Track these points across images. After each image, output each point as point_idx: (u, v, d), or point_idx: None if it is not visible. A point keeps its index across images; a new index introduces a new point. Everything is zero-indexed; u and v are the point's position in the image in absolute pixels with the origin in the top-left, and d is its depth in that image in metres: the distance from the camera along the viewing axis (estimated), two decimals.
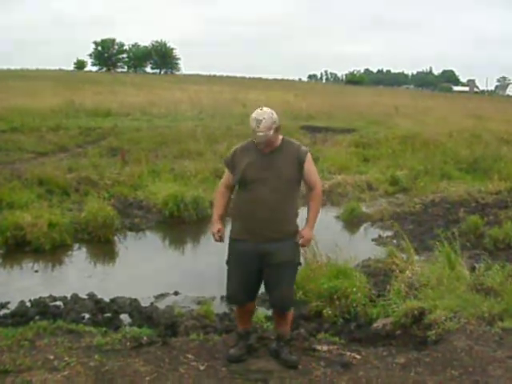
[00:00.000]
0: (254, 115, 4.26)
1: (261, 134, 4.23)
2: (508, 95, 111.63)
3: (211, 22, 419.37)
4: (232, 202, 4.64)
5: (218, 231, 4.54)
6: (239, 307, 4.69)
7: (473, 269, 6.74)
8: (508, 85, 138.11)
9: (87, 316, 5.87)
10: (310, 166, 4.44)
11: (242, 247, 4.40)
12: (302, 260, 4.87)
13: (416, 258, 7.15)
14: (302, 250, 4.77)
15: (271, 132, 4.25)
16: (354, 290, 5.94)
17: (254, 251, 4.35)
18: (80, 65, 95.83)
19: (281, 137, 4.44)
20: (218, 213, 4.62)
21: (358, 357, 4.68)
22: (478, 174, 15.06)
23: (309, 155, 4.45)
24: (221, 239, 4.57)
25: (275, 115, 4.31)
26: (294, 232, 4.44)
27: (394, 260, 7.05)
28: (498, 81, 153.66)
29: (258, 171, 4.33)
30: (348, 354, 4.74)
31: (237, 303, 4.72)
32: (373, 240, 9.44)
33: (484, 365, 4.40)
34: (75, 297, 6.37)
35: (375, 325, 5.55)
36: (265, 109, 4.33)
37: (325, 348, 4.85)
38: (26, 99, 26.19)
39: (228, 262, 4.54)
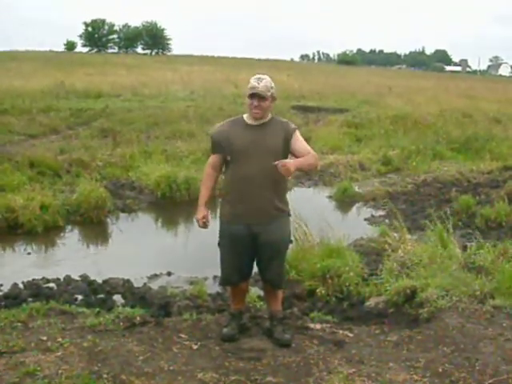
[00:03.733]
0: (253, 77, 4.33)
1: (259, 89, 4.23)
2: (500, 75, 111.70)
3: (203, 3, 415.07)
4: (221, 182, 4.61)
5: (203, 218, 4.50)
6: (233, 287, 4.70)
7: (465, 248, 6.77)
8: (500, 64, 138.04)
9: (80, 297, 5.87)
10: (301, 141, 4.40)
11: (234, 230, 4.38)
12: (292, 238, 4.89)
13: (408, 237, 7.16)
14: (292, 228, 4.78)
15: (269, 94, 4.26)
16: (347, 269, 5.96)
17: (245, 233, 4.33)
18: (70, 46, 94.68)
19: (270, 114, 4.42)
20: (203, 198, 4.54)
21: (350, 335, 4.71)
22: (470, 154, 15.10)
23: (297, 132, 4.41)
24: (205, 225, 4.52)
25: (273, 85, 4.34)
26: (285, 210, 4.42)
27: (387, 239, 7.06)
28: (491, 60, 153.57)
29: (246, 145, 4.28)
30: (341, 332, 4.77)
31: (231, 285, 4.72)
32: (365, 219, 9.47)
33: (475, 342, 4.44)
34: (68, 278, 6.37)
35: (368, 303, 5.58)
36: (264, 75, 4.38)
37: (318, 326, 4.88)
38: (16, 81, 25.95)
39: (220, 245, 4.53)
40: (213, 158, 4.53)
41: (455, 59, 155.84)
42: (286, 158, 4.36)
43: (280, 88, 27.00)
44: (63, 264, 7.05)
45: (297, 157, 4.35)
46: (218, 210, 4.58)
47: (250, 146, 4.28)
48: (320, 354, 4.33)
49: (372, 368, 4.05)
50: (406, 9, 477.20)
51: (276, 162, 4.11)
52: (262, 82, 4.27)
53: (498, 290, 5.38)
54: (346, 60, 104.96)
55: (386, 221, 8.98)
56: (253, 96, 4.26)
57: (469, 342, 4.44)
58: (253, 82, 4.27)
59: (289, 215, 4.49)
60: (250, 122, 4.39)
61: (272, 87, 4.30)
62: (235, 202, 4.37)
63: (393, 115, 19.82)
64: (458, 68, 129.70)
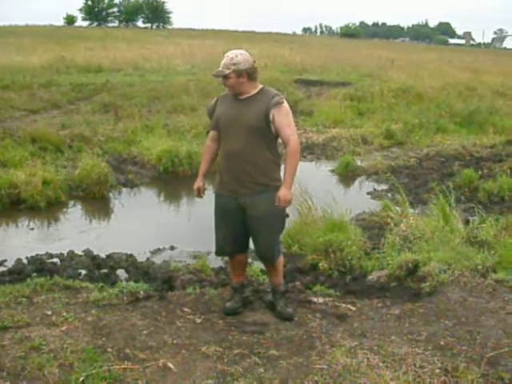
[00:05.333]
0: None
1: (218, 69, 4.25)
2: (505, 48, 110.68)
3: None
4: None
5: (198, 188, 4.59)
6: (231, 259, 4.73)
7: (467, 222, 6.79)
8: (505, 37, 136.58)
9: (84, 272, 5.89)
10: (281, 118, 4.21)
11: (223, 202, 4.44)
12: (290, 212, 4.85)
13: (411, 211, 7.17)
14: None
15: (228, 71, 4.19)
16: (349, 243, 5.96)
17: (234, 205, 4.37)
18: (70, 20, 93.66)
19: (260, 86, 4.36)
20: (202, 169, 4.65)
21: (353, 308, 4.74)
22: (473, 128, 15.01)
23: (282, 106, 4.23)
24: (199, 195, 4.62)
25: (240, 58, 4.22)
26: (272, 185, 4.31)
27: (389, 213, 7.07)
28: (495, 33, 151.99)
29: (228, 118, 4.30)
30: (343, 305, 4.80)
31: (225, 255, 4.84)
32: (368, 193, 9.46)
33: (477, 315, 4.46)
34: (71, 253, 6.40)
35: (370, 277, 5.60)
36: (237, 51, 4.30)
37: (320, 300, 4.91)
38: (16, 56, 25.78)
39: (214, 215, 4.58)
40: (211, 131, 4.60)
41: (459, 32, 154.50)
42: (272, 132, 4.26)
43: (282, 62, 26.87)
44: (66, 239, 7.08)
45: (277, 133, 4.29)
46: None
47: (232, 121, 4.29)
48: (322, 327, 4.36)
49: (374, 341, 4.08)
50: None
51: (276, 204, 4.21)
52: (223, 60, 4.25)
53: (500, 263, 5.39)
54: (348, 33, 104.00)
55: (389, 195, 8.98)
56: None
57: (470, 315, 4.47)
58: None
59: None
60: (237, 96, 4.36)
61: (234, 63, 4.18)
62: (223, 175, 4.44)
63: (395, 88, 19.66)
64: (462, 41, 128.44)
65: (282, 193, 4.21)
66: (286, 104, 4.29)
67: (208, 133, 4.65)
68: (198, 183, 4.61)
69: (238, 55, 4.24)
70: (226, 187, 4.40)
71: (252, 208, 4.32)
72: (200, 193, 4.62)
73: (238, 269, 4.74)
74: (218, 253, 4.77)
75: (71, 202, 8.60)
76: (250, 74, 4.26)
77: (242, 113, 4.27)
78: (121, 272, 5.98)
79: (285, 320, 4.47)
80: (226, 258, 5.40)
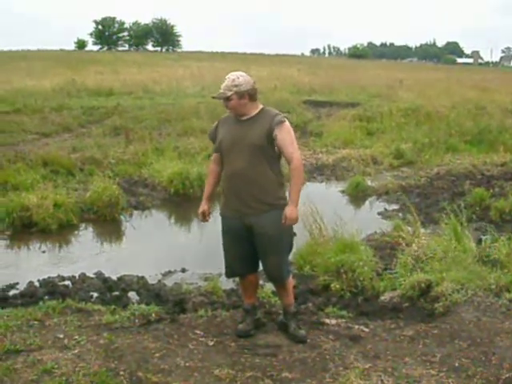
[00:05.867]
0: None
1: (219, 91, 4.29)
2: None
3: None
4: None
5: (202, 212, 4.63)
6: (242, 280, 4.72)
7: (479, 241, 6.75)
8: None
9: (95, 295, 5.89)
10: (284, 136, 4.25)
11: (229, 222, 4.46)
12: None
13: (422, 230, 7.13)
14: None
15: (230, 93, 4.24)
16: (361, 263, 5.92)
17: (239, 225, 4.38)
18: (81, 44, 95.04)
19: (261, 106, 4.41)
20: (206, 192, 4.72)
21: (366, 330, 4.70)
22: (483, 146, 14.98)
23: (284, 125, 4.27)
24: (204, 219, 4.66)
25: (242, 80, 4.27)
26: (276, 203, 4.32)
27: (400, 233, 7.04)
28: (503, 52, 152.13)
29: (231, 140, 4.33)
30: (356, 327, 4.76)
31: (235, 276, 4.82)
32: (378, 214, 9.43)
33: (492, 336, 4.42)
34: (83, 276, 6.41)
35: (382, 298, 5.57)
36: (237, 72, 4.35)
37: (333, 322, 4.88)
38: (28, 80, 26.10)
39: (222, 236, 4.60)
40: (214, 154, 4.64)
41: (467, 51, 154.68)
42: (274, 151, 4.31)
43: (290, 83, 27.02)
44: (78, 262, 7.10)
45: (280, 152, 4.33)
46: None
47: (233, 142, 4.32)
48: (336, 349, 4.33)
49: (388, 363, 4.04)
50: (417, 0, 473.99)
51: (283, 222, 4.23)
52: (224, 82, 4.30)
53: None
54: (356, 54, 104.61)
55: (400, 215, 8.94)
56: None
57: (485, 335, 4.42)
58: None
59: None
60: (239, 117, 4.41)
61: (236, 85, 4.23)
62: (226, 196, 4.47)
63: (404, 108, 19.70)
64: (470, 60, 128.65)
65: (289, 210, 4.24)
66: (287, 122, 4.34)
67: (210, 156, 4.67)
68: (203, 207, 4.65)
69: (240, 77, 4.30)
70: (231, 208, 4.43)
71: (258, 227, 4.32)
72: (205, 217, 4.65)
73: (249, 290, 4.73)
74: (228, 274, 4.77)
75: (82, 225, 8.64)
76: (252, 95, 4.32)
77: (244, 133, 4.30)
78: (132, 294, 5.97)
79: (298, 342, 4.44)
80: (237, 280, 5.39)
